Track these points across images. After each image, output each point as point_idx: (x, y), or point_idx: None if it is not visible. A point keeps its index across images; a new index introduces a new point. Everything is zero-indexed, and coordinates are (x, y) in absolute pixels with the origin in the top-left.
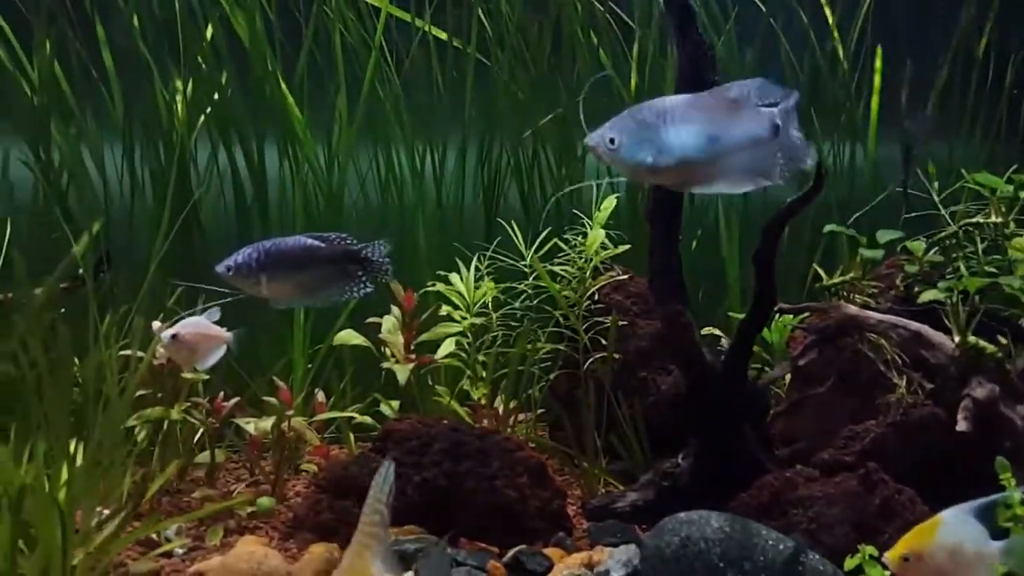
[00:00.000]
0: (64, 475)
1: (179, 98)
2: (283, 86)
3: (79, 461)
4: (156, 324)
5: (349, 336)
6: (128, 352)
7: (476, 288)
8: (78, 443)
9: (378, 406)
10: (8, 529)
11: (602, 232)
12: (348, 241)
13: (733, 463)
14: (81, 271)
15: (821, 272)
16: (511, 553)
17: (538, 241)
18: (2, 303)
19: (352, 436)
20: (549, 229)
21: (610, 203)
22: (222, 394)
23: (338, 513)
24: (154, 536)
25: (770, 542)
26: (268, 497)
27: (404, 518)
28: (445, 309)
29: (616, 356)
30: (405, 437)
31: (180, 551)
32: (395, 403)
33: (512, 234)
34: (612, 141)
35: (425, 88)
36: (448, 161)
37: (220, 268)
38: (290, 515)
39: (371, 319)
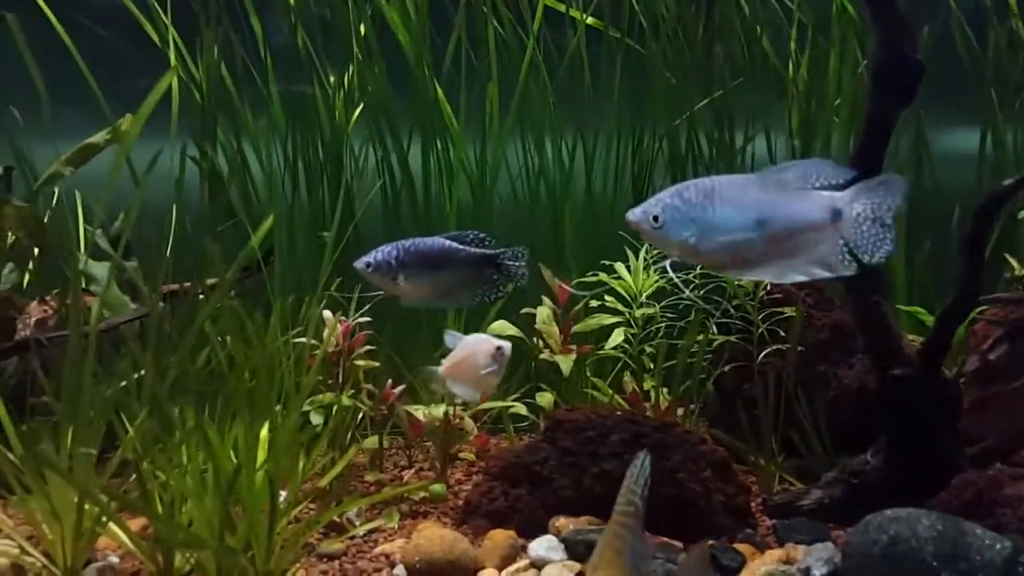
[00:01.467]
0: (261, 457)
1: (336, 93)
2: (437, 87)
3: (273, 444)
4: (327, 314)
5: (503, 327)
6: (302, 339)
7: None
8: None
9: (527, 397)
10: (218, 506)
11: None
12: (487, 242)
13: (927, 461)
14: (249, 262)
15: (1013, 262)
16: None
17: None
18: (177, 293)
19: (512, 426)
20: None
21: None
22: (390, 381)
23: (511, 500)
24: (335, 518)
25: (987, 541)
26: (441, 483)
27: (583, 508)
28: (608, 299)
29: (799, 348)
30: (579, 427)
31: (361, 533)
32: (551, 394)
33: None
34: (656, 219)
35: (577, 78)
36: (598, 151)
37: (359, 264)
38: (459, 501)
39: (525, 310)
